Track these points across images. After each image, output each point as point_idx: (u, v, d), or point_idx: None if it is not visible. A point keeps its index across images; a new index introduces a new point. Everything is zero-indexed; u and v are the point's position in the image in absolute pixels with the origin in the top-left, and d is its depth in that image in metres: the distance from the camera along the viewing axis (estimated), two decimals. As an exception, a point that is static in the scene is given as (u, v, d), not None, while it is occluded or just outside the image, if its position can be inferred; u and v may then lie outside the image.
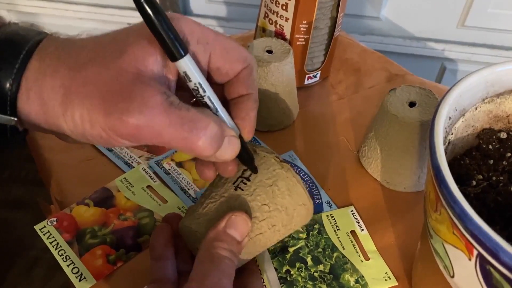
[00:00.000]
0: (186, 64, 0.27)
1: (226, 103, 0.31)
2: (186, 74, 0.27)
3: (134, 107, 0.25)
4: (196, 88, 0.28)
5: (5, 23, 0.28)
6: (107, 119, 0.25)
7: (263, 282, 0.40)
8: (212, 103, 0.29)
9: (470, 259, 0.26)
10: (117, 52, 0.26)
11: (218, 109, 0.29)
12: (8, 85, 0.26)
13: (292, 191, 0.34)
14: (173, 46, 0.26)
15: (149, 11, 0.25)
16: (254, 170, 0.34)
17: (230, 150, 0.29)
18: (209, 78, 0.30)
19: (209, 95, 0.28)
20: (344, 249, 0.43)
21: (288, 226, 0.35)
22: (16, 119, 0.27)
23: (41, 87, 0.26)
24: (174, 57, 0.26)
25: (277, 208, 0.34)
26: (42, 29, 0.29)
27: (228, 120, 0.30)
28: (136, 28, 0.27)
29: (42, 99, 0.26)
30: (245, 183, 0.34)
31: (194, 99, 0.30)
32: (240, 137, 0.31)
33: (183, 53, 0.26)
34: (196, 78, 0.27)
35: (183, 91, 0.29)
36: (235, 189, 0.34)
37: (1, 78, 0.26)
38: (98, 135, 0.26)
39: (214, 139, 0.27)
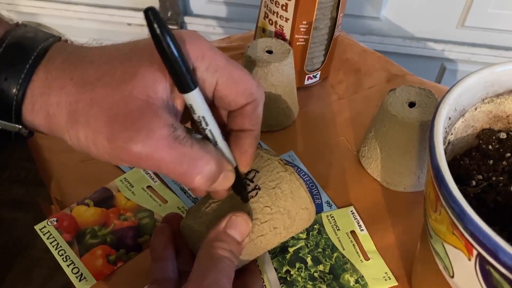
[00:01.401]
0: (193, 98, 0.27)
1: (227, 130, 0.32)
2: (191, 106, 0.27)
3: (139, 138, 0.25)
4: (199, 120, 0.28)
5: (12, 26, 0.28)
6: (111, 144, 0.26)
7: (263, 282, 0.40)
8: (213, 136, 0.29)
9: (469, 259, 0.26)
10: (127, 75, 0.26)
11: (218, 143, 0.29)
12: (14, 92, 0.26)
13: (295, 194, 0.34)
14: (183, 80, 0.26)
15: (164, 44, 0.24)
16: (245, 200, 0.33)
17: (224, 183, 0.30)
18: (212, 103, 0.30)
19: (211, 128, 0.29)
20: (344, 249, 0.43)
21: (289, 229, 0.35)
22: (20, 126, 0.27)
23: (47, 102, 0.26)
24: (182, 90, 0.26)
25: (280, 210, 0.34)
26: (48, 29, 0.28)
27: (227, 153, 0.30)
28: (148, 49, 0.27)
29: (47, 113, 0.26)
30: (248, 185, 0.34)
31: None
32: (236, 168, 0.31)
33: (192, 87, 0.26)
34: (201, 111, 0.28)
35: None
36: None
37: (8, 85, 0.26)
38: (100, 155, 0.27)
39: (210, 177, 0.28)
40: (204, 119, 0.28)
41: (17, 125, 0.27)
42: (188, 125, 0.32)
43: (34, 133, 0.29)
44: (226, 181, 0.30)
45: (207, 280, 0.29)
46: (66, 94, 0.26)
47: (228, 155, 0.30)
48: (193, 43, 0.27)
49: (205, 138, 0.29)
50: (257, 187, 0.34)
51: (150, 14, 0.24)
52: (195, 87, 0.27)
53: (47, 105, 0.26)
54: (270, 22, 0.56)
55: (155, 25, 0.24)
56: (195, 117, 0.28)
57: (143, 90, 0.26)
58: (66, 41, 0.29)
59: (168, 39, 0.24)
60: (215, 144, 0.29)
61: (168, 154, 0.26)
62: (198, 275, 0.30)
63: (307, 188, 0.35)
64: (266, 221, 0.33)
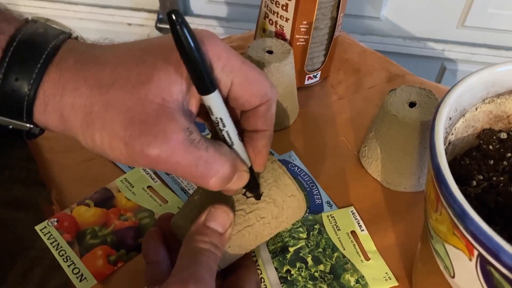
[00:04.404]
0: (212, 100, 0.27)
1: (241, 130, 0.32)
2: (210, 108, 0.28)
3: (156, 143, 0.25)
4: (217, 122, 0.28)
5: (23, 22, 0.27)
6: (128, 148, 0.26)
7: (263, 281, 0.40)
8: (229, 137, 0.29)
9: (470, 260, 0.26)
10: (142, 77, 0.26)
11: (234, 143, 0.30)
12: (25, 91, 0.26)
13: (279, 183, 0.34)
14: (204, 82, 0.26)
15: (187, 47, 0.24)
16: (257, 197, 0.34)
17: (238, 183, 0.31)
18: (226, 103, 0.30)
19: (228, 130, 0.29)
20: (344, 249, 0.43)
21: (279, 218, 0.35)
22: (31, 126, 0.27)
23: (60, 103, 0.26)
24: (203, 92, 0.27)
25: (265, 199, 0.34)
26: (57, 25, 0.28)
27: (242, 153, 0.31)
28: (162, 50, 0.27)
29: (61, 114, 0.26)
30: None
31: None
32: (250, 168, 0.32)
33: (212, 90, 0.27)
34: (219, 113, 0.28)
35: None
36: None
37: (20, 85, 0.25)
38: (116, 157, 0.27)
39: (225, 179, 0.28)
40: (222, 121, 0.28)
41: (28, 125, 0.27)
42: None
43: (44, 130, 0.29)
44: (241, 181, 0.31)
45: (186, 273, 0.29)
46: (80, 96, 0.26)
47: (243, 155, 0.31)
48: (210, 43, 0.27)
49: (222, 138, 0.29)
50: None
51: (173, 15, 0.24)
52: (215, 89, 0.27)
53: (61, 107, 0.26)
54: (270, 22, 0.56)
55: (178, 27, 0.24)
56: (213, 118, 0.28)
57: (159, 93, 0.26)
58: (77, 37, 0.29)
59: (191, 42, 0.24)
60: (231, 144, 0.30)
61: (184, 158, 0.26)
62: (179, 269, 0.30)
63: (307, 188, 0.35)
64: (251, 211, 0.33)
